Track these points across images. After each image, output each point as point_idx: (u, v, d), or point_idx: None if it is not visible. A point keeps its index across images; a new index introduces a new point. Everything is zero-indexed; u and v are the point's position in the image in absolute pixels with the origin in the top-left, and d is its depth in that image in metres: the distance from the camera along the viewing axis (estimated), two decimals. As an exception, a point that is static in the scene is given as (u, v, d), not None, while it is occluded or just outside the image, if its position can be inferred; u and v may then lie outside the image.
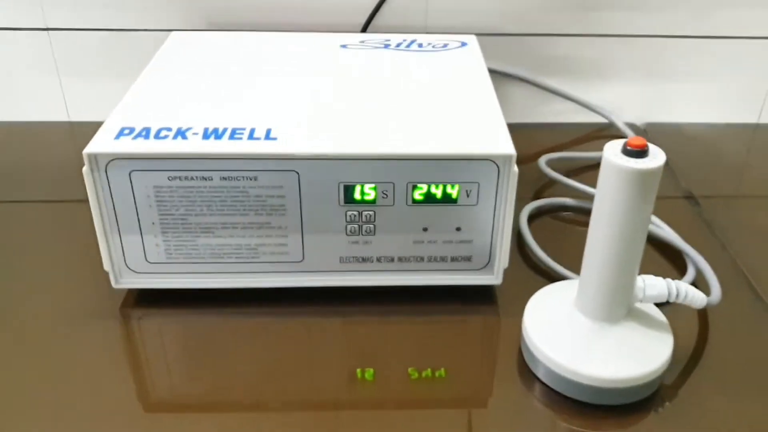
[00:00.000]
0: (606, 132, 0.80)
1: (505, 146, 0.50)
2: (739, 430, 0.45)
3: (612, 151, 0.42)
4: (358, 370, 0.48)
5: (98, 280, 0.55)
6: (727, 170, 0.74)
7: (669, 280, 0.48)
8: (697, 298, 0.48)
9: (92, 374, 0.48)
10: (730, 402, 0.47)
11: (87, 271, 0.56)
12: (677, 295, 0.47)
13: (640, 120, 0.83)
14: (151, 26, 0.74)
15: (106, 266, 0.52)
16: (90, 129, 0.51)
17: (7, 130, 0.79)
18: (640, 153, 0.41)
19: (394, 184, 0.50)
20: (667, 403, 0.47)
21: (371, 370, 0.49)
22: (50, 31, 0.74)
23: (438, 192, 0.50)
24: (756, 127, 0.83)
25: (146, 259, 0.52)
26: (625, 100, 0.81)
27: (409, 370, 0.49)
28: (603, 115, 0.79)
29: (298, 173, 0.49)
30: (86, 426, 0.44)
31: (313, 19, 0.74)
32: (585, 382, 0.45)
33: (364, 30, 0.75)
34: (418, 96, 0.57)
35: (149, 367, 0.48)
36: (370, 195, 0.50)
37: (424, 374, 0.48)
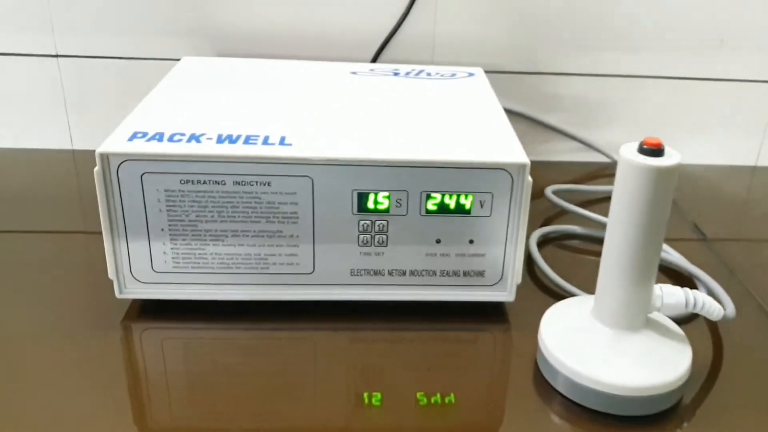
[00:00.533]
0: (608, 171, 0.81)
1: (519, 155, 0.50)
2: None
3: (629, 151, 0.42)
4: (366, 394, 0.47)
5: (101, 291, 0.53)
6: (731, 209, 0.75)
7: (686, 289, 0.47)
8: (714, 308, 0.47)
9: (88, 393, 0.45)
10: (752, 416, 0.46)
11: (89, 282, 0.55)
12: (695, 305, 0.47)
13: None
14: (160, 55, 0.75)
15: (111, 274, 0.51)
16: (94, 158, 0.49)
17: (11, 156, 0.78)
18: (657, 152, 0.42)
19: (407, 192, 0.50)
20: (687, 418, 0.45)
21: (379, 395, 0.47)
22: (60, 58, 0.75)
23: (451, 203, 0.50)
24: (755, 169, 0.84)
25: (152, 268, 0.51)
26: (627, 140, 0.82)
27: (418, 394, 0.47)
28: (605, 155, 0.80)
29: (312, 179, 0.49)
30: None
31: (321, 52, 0.76)
32: (609, 390, 0.44)
33: (373, 62, 0.77)
34: (431, 111, 0.57)
35: (149, 387, 0.46)
36: (384, 204, 0.50)
37: (433, 400, 0.46)
